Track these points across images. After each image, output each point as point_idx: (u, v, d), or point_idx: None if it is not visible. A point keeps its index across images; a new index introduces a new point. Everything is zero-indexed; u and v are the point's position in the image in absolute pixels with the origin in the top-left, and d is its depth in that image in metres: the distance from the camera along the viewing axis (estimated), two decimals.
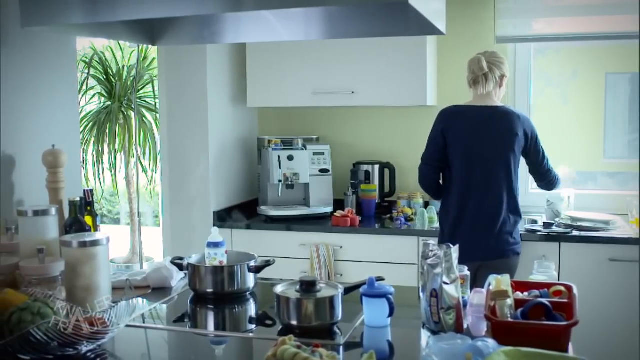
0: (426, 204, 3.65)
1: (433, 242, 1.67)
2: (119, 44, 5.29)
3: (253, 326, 1.87)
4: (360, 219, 3.43)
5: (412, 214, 3.52)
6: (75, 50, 2.51)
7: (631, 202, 3.28)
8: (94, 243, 1.73)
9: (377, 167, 3.76)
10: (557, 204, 3.38)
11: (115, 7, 1.55)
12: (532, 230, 3.18)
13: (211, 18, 1.95)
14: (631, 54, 3.47)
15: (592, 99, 3.77)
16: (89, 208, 2.10)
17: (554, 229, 3.17)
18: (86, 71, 4.87)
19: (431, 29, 1.78)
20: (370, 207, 3.64)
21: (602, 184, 3.80)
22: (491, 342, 1.39)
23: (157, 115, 4.79)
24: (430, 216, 3.45)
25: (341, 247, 3.33)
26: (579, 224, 3.19)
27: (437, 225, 3.45)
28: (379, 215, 3.67)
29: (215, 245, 2.01)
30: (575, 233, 3.12)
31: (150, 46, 4.75)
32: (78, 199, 2.02)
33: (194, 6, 1.53)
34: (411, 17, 1.76)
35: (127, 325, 1.63)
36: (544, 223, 3.24)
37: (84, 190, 2.13)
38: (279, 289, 1.70)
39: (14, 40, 2.22)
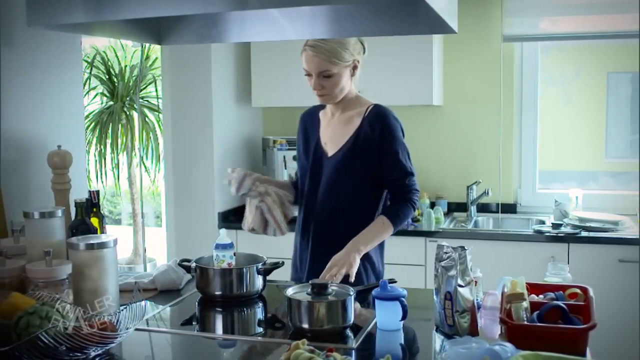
0: (432, 205, 3.62)
1: (447, 243, 1.64)
2: (121, 44, 5.26)
3: (260, 329, 1.84)
4: None
5: (419, 215, 3.49)
6: (81, 50, 2.49)
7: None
8: (101, 245, 1.70)
9: None
10: (565, 204, 3.36)
11: (121, 6, 1.53)
12: (540, 231, 3.15)
13: (217, 16, 1.93)
14: (633, 53, 3.44)
15: (594, 98, 3.75)
16: (95, 209, 2.07)
17: (563, 229, 3.14)
18: (88, 71, 4.84)
19: (443, 27, 1.75)
20: None
21: (604, 183, 3.78)
22: (509, 346, 1.36)
23: (160, 115, 4.77)
24: (436, 217, 3.42)
25: None
26: (587, 224, 3.17)
27: (443, 225, 3.43)
28: None
29: (224, 247, 1.98)
30: (584, 234, 3.10)
31: (152, 46, 4.72)
32: (84, 200, 1.99)
33: (200, 4, 1.50)
34: (423, 15, 1.74)
35: (135, 329, 1.60)
36: (552, 224, 3.21)
37: (90, 191, 2.10)
38: (290, 291, 1.67)
39: (20, 40, 2.20)
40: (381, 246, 2.25)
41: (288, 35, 2.00)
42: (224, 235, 2.00)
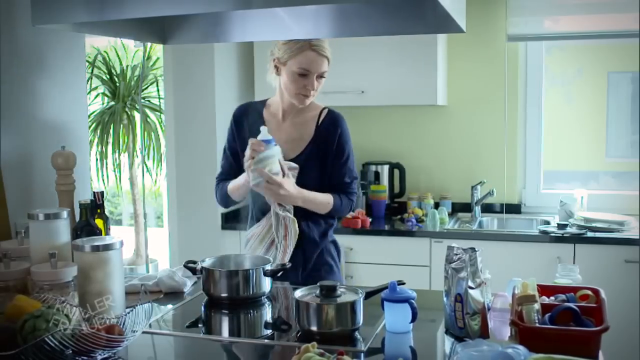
0: (436, 205, 3.61)
1: (457, 245, 1.62)
2: (122, 44, 5.24)
3: (269, 331, 1.82)
4: (370, 220, 3.38)
5: (423, 215, 3.48)
6: (84, 50, 2.46)
7: None
8: (107, 247, 1.68)
9: (386, 167, 3.72)
10: (570, 204, 3.34)
11: (125, 5, 1.52)
12: (546, 232, 3.13)
13: (222, 16, 1.91)
14: (633, 53, 3.42)
15: (596, 97, 3.73)
16: (99, 210, 2.05)
17: (568, 229, 3.12)
18: (89, 71, 4.82)
19: (452, 26, 1.74)
20: (380, 208, 3.60)
21: (604, 183, 3.76)
22: (522, 349, 1.34)
23: (162, 115, 4.75)
24: (441, 217, 3.41)
25: (351, 249, 3.28)
26: (593, 224, 3.15)
27: (448, 226, 3.42)
28: (388, 216, 3.63)
29: (268, 143, 1.97)
30: (589, 234, 3.08)
31: (153, 46, 4.70)
32: (89, 201, 1.97)
33: (205, 3, 1.49)
34: (431, 13, 1.72)
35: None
36: (557, 224, 3.19)
37: (94, 192, 2.07)
38: (298, 293, 1.65)
39: (23, 39, 2.18)
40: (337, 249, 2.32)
41: (293, 35, 1.99)
42: (265, 132, 2.00)
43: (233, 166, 2.29)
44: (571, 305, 1.55)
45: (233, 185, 2.23)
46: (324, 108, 2.26)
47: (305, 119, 2.23)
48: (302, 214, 2.16)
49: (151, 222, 6.92)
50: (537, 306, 1.54)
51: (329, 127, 2.21)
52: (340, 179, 2.22)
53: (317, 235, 2.23)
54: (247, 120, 2.25)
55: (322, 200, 2.18)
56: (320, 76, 2.16)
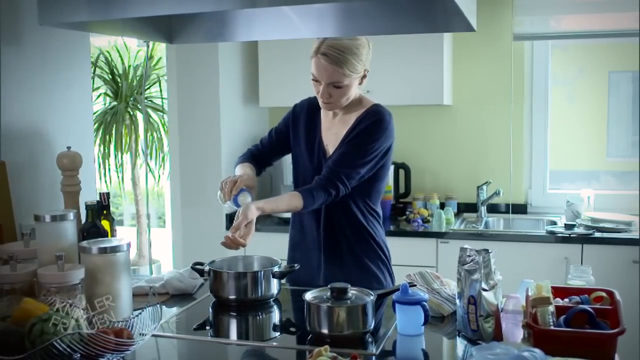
0: (442, 205, 3.59)
1: (469, 246, 1.60)
2: (125, 43, 5.22)
3: (277, 334, 1.80)
4: None
5: (429, 215, 3.46)
6: (89, 49, 2.44)
7: None
8: (114, 249, 1.66)
9: (392, 167, 3.69)
10: (577, 204, 3.32)
11: (132, 4, 1.50)
12: (553, 232, 3.11)
13: (229, 14, 1.89)
14: (634, 52, 3.40)
15: (597, 97, 3.71)
16: (105, 212, 2.02)
17: (576, 230, 3.10)
18: (91, 71, 4.79)
19: (463, 24, 1.71)
20: (386, 209, 3.57)
21: (605, 183, 3.74)
22: (538, 352, 1.32)
23: (164, 115, 4.73)
24: (447, 217, 3.38)
25: None
26: (601, 225, 3.13)
27: (454, 226, 3.39)
28: (394, 216, 3.61)
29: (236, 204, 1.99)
30: (597, 234, 3.05)
31: (156, 46, 4.69)
32: (95, 202, 1.95)
33: (211, 2, 1.47)
34: (442, 11, 1.70)
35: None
36: (565, 224, 3.17)
37: (100, 194, 2.05)
38: (308, 296, 1.63)
39: (28, 39, 2.16)
40: (381, 249, 2.19)
41: (300, 34, 1.97)
42: (245, 197, 2.00)
43: (271, 146, 2.31)
44: (586, 307, 1.53)
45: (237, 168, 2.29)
46: (373, 104, 2.11)
47: (350, 117, 2.10)
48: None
49: (153, 222, 6.90)
50: (551, 308, 1.52)
51: (364, 118, 2.05)
52: (335, 160, 2.03)
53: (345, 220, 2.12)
54: (303, 115, 2.20)
55: (287, 208, 2.03)
56: (336, 86, 2.00)
